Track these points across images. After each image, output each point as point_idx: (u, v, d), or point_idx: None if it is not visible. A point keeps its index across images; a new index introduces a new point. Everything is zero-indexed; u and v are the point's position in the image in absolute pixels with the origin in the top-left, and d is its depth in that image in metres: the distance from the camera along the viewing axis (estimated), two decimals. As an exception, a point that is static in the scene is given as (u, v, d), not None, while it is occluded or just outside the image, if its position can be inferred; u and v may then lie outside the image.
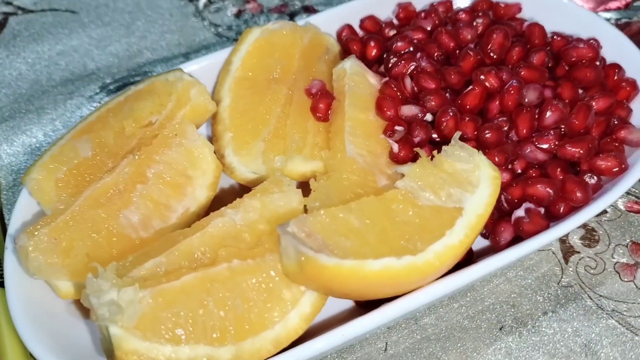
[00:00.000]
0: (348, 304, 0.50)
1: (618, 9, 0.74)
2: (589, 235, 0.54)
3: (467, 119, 0.53)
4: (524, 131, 0.52)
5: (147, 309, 0.41)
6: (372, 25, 0.65)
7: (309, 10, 0.78)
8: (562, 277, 0.52)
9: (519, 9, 0.64)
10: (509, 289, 0.52)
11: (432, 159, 0.48)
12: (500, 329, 0.50)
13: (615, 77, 0.56)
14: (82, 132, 0.55)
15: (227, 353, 0.42)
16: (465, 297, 0.52)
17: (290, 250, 0.42)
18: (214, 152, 0.54)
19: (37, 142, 0.68)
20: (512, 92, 0.53)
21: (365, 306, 0.49)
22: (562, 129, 0.52)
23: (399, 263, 0.41)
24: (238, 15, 0.80)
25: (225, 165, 0.56)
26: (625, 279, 0.52)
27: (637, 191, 0.57)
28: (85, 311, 0.51)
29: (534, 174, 0.52)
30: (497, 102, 0.54)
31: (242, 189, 0.58)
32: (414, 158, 0.51)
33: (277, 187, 0.48)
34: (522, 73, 0.54)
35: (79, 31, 0.80)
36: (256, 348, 0.43)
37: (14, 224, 0.52)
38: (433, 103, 0.53)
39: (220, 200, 0.53)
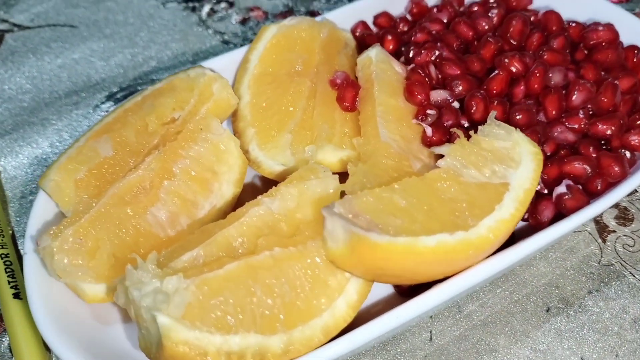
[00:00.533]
0: (389, 294, 0.49)
1: (620, 2, 0.75)
2: (623, 214, 0.54)
3: (495, 102, 0.52)
4: (553, 112, 0.52)
5: (193, 298, 0.39)
6: (386, 21, 0.65)
7: (314, 14, 0.78)
8: (601, 256, 0.51)
9: (530, 1, 0.64)
10: (551, 271, 0.51)
11: (469, 140, 0.47)
12: (547, 310, 0.48)
13: (635, 59, 0.56)
14: (101, 132, 0.53)
15: (278, 342, 0.40)
16: (507, 282, 0.50)
17: (338, 232, 0.40)
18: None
19: (44, 153, 0.66)
20: (537, 74, 0.53)
21: (407, 294, 0.47)
22: (590, 109, 0.52)
23: (452, 239, 0.40)
24: (243, 22, 0.80)
25: (250, 160, 0.54)
26: (666, 255, 0.51)
27: (664, 170, 0.57)
28: (112, 316, 0.49)
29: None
30: (523, 87, 0.54)
31: (264, 187, 0.56)
32: (448, 141, 0.50)
33: (313, 174, 0.47)
34: (545, 57, 0.54)
35: (80, 44, 0.79)
36: (307, 336, 0.41)
37: (32, 226, 0.49)
38: (461, 87, 0.53)
39: (241, 200, 0.51)
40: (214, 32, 0.79)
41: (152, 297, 0.38)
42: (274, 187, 0.46)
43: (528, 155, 0.45)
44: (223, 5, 0.82)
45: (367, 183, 0.45)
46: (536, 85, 0.53)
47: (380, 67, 0.53)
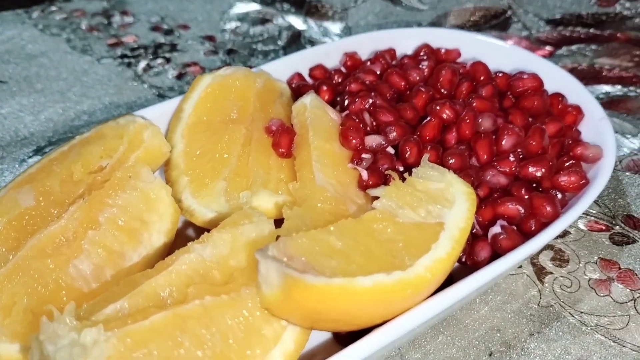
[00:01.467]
0: (327, 341, 0.47)
1: (544, 56, 0.79)
2: (558, 255, 0.54)
3: (429, 147, 0.53)
4: (485, 156, 0.53)
5: (114, 351, 0.36)
6: (321, 73, 0.65)
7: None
8: (541, 298, 0.51)
9: (459, 54, 0.67)
10: (492, 315, 0.50)
11: (404, 182, 0.47)
12: (490, 355, 0.47)
13: (560, 105, 0.59)
14: (23, 182, 0.50)
15: (208, 396, 0.37)
16: (449, 327, 0.49)
17: (272, 275, 0.39)
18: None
19: (-37, 209, 0.62)
20: (467, 120, 0.54)
21: (346, 341, 0.45)
22: (520, 153, 0.53)
23: (389, 278, 0.39)
24: (179, 77, 0.79)
25: (183, 209, 0.52)
26: (602, 294, 0.51)
27: (594, 212, 0.58)
28: (27, 381, 0.44)
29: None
30: (454, 132, 0.55)
31: (198, 237, 0.54)
32: (384, 184, 0.50)
33: (247, 219, 0.45)
34: (474, 104, 0.56)
35: (9, 100, 0.76)
36: (239, 390, 0.38)
37: (-58, 284, 0.45)
38: (395, 133, 0.53)
39: (173, 250, 0.48)
40: (150, 86, 0.78)
41: (69, 351, 0.34)
42: (206, 232, 0.45)
43: (462, 195, 0.45)
44: (159, 61, 0.82)
45: (303, 226, 0.44)
46: (467, 131, 0.54)
47: (314, 112, 0.53)
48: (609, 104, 0.71)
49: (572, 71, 0.76)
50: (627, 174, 0.62)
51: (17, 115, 0.74)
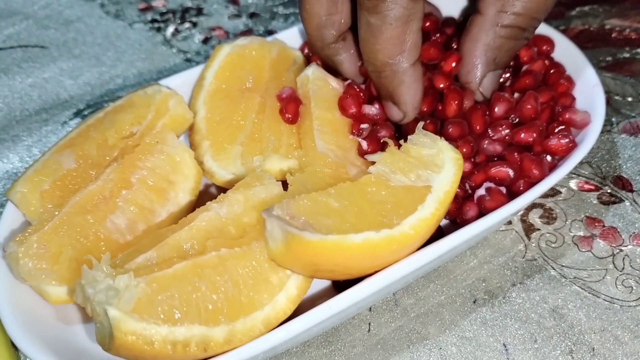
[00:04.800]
0: (327, 289, 0.53)
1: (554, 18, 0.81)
2: (547, 214, 0.59)
3: (428, 120, 0.57)
4: (478, 127, 0.56)
5: (143, 293, 0.43)
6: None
7: (272, 33, 0.83)
8: (526, 252, 0.56)
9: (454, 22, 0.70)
10: (480, 266, 0.55)
11: (399, 149, 0.52)
12: (474, 301, 0.53)
13: (553, 74, 0.61)
14: (64, 147, 0.57)
15: (221, 332, 0.44)
16: (440, 278, 0.55)
17: (276, 232, 0.45)
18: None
19: (14, 167, 0.70)
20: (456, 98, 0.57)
21: (343, 288, 0.51)
22: (514, 118, 0.57)
23: (378, 236, 0.44)
24: (205, 41, 0.84)
25: (205, 170, 0.58)
26: (584, 249, 0.56)
27: (586, 173, 0.62)
28: (74, 316, 0.53)
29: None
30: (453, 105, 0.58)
31: (219, 193, 0.60)
32: (382, 150, 0.55)
33: (258, 181, 0.51)
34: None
35: (50, 64, 0.83)
36: (248, 327, 0.45)
37: (0, 235, 0.53)
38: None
39: (197, 207, 0.55)
40: (178, 50, 0.83)
41: (105, 293, 0.42)
42: (222, 193, 0.51)
43: (450, 161, 0.50)
44: (187, 25, 0.87)
45: (305, 191, 0.50)
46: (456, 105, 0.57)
47: (316, 84, 0.58)
48: (614, 66, 0.73)
49: (581, 33, 0.78)
50: (623, 136, 0.65)
51: (58, 79, 0.81)
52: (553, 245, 0.57)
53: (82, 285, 0.43)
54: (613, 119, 0.67)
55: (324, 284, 0.53)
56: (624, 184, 0.61)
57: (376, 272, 0.47)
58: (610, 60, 0.75)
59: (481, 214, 0.53)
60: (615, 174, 0.62)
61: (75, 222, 0.52)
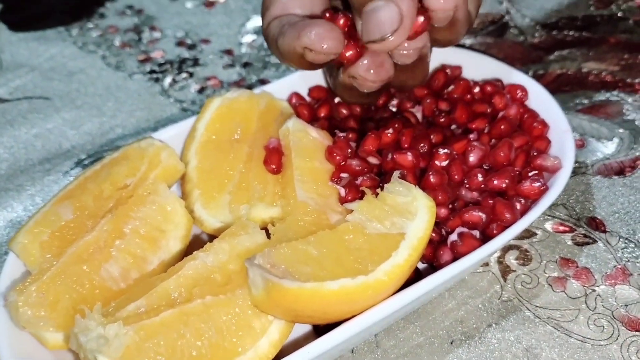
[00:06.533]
0: (308, 333, 0.56)
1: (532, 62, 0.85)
2: (523, 255, 0.61)
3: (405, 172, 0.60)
4: (456, 176, 0.59)
5: (131, 341, 0.46)
6: (318, 93, 0.73)
7: (264, 82, 0.87)
8: (502, 293, 0.58)
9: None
10: (457, 308, 0.58)
11: (376, 197, 0.55)
12: (451, 342, 0.55)
13: (527, 119, 0.65)
14: (63, 198, 0.61)
15: (205, 377, 0.46)
16: (420, 319, 0.57)
17: (257, 280, 0.48)
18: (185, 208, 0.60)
19: (18, 216, 0.73)
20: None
21: (322, 332, 0.54)
22: (488, 166, 0.60)
23: (353, 282, 0.47)
24: (201, 91, 0.89)
25: (195, 218, 0.62)
26: (557, 290, 0.58)
27: (561, 214, 0.65)
28: (71, 361, 0.55)
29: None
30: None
31: (209, 240, 0.63)
32: (361, 198, 0.58)
33: (243, 230, 0.54)
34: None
35: (54, 115, 0.87)
36: (231, 372, 0.48)
37: (2, 284, 0.56)
38: (375, 160, 0.61)
39: (190, 252, 0.58)
40: (175, 100, 0.88)
41: (96, 341, 0.45)
42: (208, 242, 0.54)
43: (423, 209, 0.53)
44: (184, 75, 0.92)
45: (287, 238, 0.53)
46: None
47: (296, 135, 0.61)
48: (590, 109, 0.77)
49: (559, 77, 0.81)
50: (597, 177, 0.68)
51: (61, 129, 0.85)
52: (528, 286, 0.59)
53: (75, 333, 0.46)
54: (587, 161, 0.70)
55: (306, 328, 0.56)
56: (597, 224, 0.63)
57: (352, 316, 0.49)
58: (586, 103, 0.78)
59: (455, 257, 0.55)
60: (589, 215, 0.64)
61: (72, 272, 0.55)
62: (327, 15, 0.53)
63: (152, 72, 0.93)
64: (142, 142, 0.64)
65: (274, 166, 0.61)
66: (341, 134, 0.63)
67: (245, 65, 0.92)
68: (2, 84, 0.93)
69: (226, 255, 0.53)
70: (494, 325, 0.56)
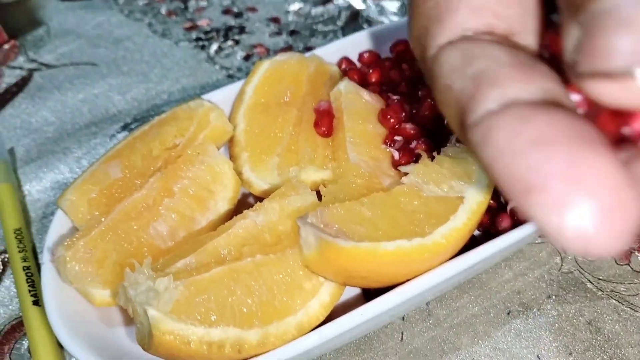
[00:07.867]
0: (358, 297, 0.54)
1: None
2: (584, 227, 0.58)
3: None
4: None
5: (181, 296, 0.45)
6: (369, 58, 0.70)
7: (311, 50, 0.85)
8: (562, 265, 0.56)
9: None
10: (514, 279, 0.55)
11: (432, 160, 0.52)
12: (508, 313, 0.53)
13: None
14: (112, 157, 0.60)
15: (254, 335, 0.45)
16: (475, 289, 0.55)
17: (310, 239, 0.46)
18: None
19: (64, 178, 0.73)
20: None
21: (372, 297, 0.52)
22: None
23: (410, 244, 0.45)
24: (247, 58, 0.87)
25: (243, 180, 0.60)
26: (621, 263, 0.55)
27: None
28: (117, 318, 0.55)
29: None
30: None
31: (256, 202, 0.62)
32: (415, 162, 0.56)
33: (294, 190, 0.53)
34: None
35: (100, 81, 0.87)
36: (281, 332, 0.46)
37: (50, 240, 0.56)
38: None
39: (237, 213, 0.57)
40: (220, 67, 0.86)
41: (145, 295, 0.44)
42: (258, 202, 0.53)
43: (482, 172, 0.50)
44: (230, 43, 0.90)
45: (339, 200, 0.51)
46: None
47: (348, 97, 0.59)
48: None
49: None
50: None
51: (107, 95, 0.85)
52: (590, 258, 0.56)
53: (124, 287, 0.45)
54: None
55: (355, 292, 0.54)
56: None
57: (407, 280, 0.48)
58: None
59: (515, 225, 0.53)
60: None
61: (120, 229, 0.54)
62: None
63: (198, 39, 0.92)
64: (191, 103, 0.63)
65: (324, 129, 0.59)
66: (394, 97, 0.61)
67: (292, 33, 0.90)
68: (50, 50, 0.94)
69: (276, 215, 0.52)
70: (553, 297, 0.54)
